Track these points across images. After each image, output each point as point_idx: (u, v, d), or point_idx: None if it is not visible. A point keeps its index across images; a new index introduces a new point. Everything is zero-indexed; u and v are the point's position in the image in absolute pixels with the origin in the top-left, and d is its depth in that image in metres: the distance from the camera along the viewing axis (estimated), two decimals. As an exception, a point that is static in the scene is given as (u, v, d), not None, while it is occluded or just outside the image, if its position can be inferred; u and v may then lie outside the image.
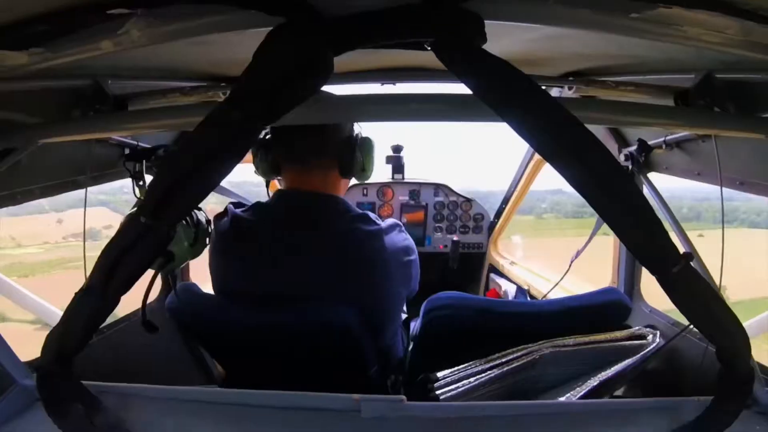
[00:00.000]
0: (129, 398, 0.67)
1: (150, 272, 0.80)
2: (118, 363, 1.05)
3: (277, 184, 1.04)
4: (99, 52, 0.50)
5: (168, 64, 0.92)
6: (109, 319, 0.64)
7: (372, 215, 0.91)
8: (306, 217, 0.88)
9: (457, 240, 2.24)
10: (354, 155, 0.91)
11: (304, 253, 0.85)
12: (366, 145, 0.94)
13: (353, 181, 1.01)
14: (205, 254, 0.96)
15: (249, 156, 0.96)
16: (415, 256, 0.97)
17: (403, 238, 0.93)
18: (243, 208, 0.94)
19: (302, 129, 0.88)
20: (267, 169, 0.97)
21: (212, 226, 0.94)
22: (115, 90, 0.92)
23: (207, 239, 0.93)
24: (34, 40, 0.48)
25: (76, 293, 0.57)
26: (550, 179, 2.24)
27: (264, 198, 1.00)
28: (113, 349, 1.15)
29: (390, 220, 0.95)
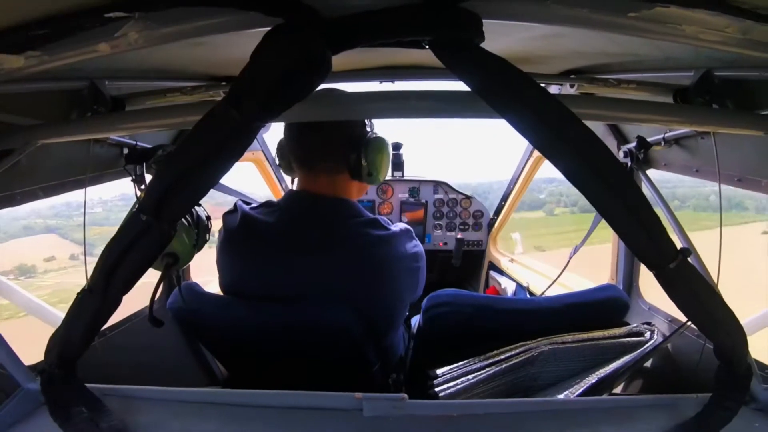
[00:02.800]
0: (132, 400, 0.67)
1: (151, 276, 0.81)
2: (120, 365, 1.06)
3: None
4: (96, 54, 0.49)
5: (165, 65, 0.92)
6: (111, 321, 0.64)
7: (383, 220, 0.89)
8: (314, 220, 0.87)
9: (461, 238, 2.23)
10: (359, 158, 0.87)
11: (311, 255, 0.85)
12: (375, 146, 0.87)
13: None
14: (208, 253, 0.96)
15: (247, 154, 0.95)
16: (423, 263, 0.96)
17: (413, 245, 0.92)
18: (252, 206, 0.93)
19: (308, 129, 0.86)
20: (286, 168, 0.96)
21: (211, 223, 0.94)
22: (113, 91, 0.91)
23: (207, 235, 0.92)
24: (31, 44, 0.47)
25: (78, 294, 0.57)
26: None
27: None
28: (115, 351, 1.15)
29: (402, 225, 0.93)
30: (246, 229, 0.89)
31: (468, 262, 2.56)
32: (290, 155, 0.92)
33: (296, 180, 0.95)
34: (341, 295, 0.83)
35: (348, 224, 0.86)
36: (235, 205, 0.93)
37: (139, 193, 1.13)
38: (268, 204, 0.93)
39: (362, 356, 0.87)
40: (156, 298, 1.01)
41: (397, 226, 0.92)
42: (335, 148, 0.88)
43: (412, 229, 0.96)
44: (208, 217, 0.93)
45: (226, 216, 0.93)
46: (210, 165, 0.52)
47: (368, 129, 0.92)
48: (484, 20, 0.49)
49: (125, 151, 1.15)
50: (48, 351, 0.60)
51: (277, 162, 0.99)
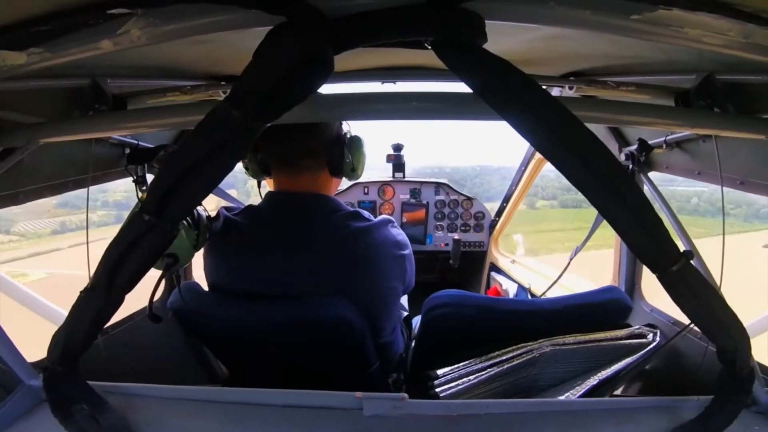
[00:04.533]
0: (134, 398, 0.67)
1: (154, 272, 0.81)
2: (122, 362, 1.06)
3: (266, 185, 1.05)
4: (98, 51, 0.49)
5: (167, 63, 0.92)
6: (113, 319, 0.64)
7: (364, 212, 0.92)
8: (296, 218, 0.89)
9: (459, 239, 2.24)
10: (343, 155, 0.91)
11: (295, 253, 0.86)
12: (355, 144, 0.94)
13: (347, 180, 1.02)
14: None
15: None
16: (408, 251, 0.97)
17: (395, 233, 0.94)
18: (235, 212, 0.95)
19: (290, 130, 0.88)
20: (256, 170, 0.98)
21: (212, 222, 0.95)
22: (114, 89, 0.92)
23: (207, 234, 0.93)
24: (33, 40, 0.48)
25: (81, 292, 0.57)
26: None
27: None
28: (117, 349, 1.16)
29: (382, 216, 0.95)
30: (229, 233, 0.90)
31: (469, 263, 2.56)
32: (269, 155, 0.94)
33: (273, 182, 0.96)
34: (332, 289, 0.84)
35: (330, 219, 0.88)
36: (218, 212, 0.95)
37: (140, 194, 1.13)
38: (248, 208, 0.94)
39: (360, 353, 0.87)
40: (158, 297, 1.00)
41: (378, 217, 0.94)
42: (319, 146, 0.91)
43: (393, 219, 0.97)
44: (209, 217, 0.94)
45: (210, 222, 0.94)
46: (212, 165, 0.52)
47: (346, 127, 0.96)
48: (486, 21, 0.49)
49: (127, 150, 1.16)
50: (50, 348, 0.60)
51: (244, 165, 0.99)
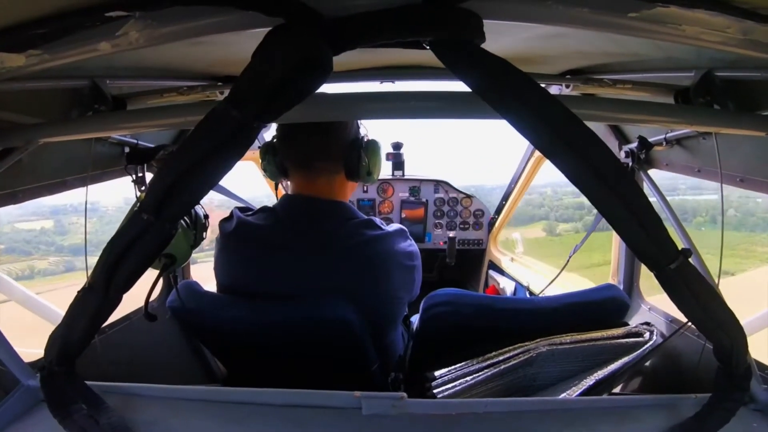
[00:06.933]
0: (132, 398, 0.68)
1: (152, 271, 0.81)
2: (120, 362, 1.06)
3: (282, 188, 1.05)
4: (97, 53, 0.49)
5: (166, 64, 0.92)
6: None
7: (377, 221, 0.92)
8: (311, 223, 0.89)
9: (454, 236, 2.24)
10: (360, 158, 0.91)
11: (308, 256, 0.86)
12: (372, 147, 0.93)
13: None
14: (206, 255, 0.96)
15: (249, 153, 0.95)
16: (418, 263, 0.97)
17: (408, 244, 0.94)
18: (248, 212, 0.94)
19: (307, 131, 0.88)
20: (275, 172, 0.98)
21: (209, 221, 0.95)
22: (114, 90, 0.92)
23: (204, 233, 0.93)
24: (32, 42, 0.48)
25: (78, 291, 0.57)
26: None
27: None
28: (115, 349, 1.16)
29: (395, 226, 0.95)
30: (242, 233, 0.90)
31: (468, 262, 2.56)
32: (285, 158, 0.94)
33: (291, 184, 0.96)
34: (338, 292, 0.84)
35: (344, 226, 0.88)
36: (232, 212, 0.94)
37: (138, 193, 1.13)
38: (263, 210, 0.94)
39: (362, 353, 0.87)
40: (156, 296, 1.00)
41: (392, 227, 0.94)
42: (334, 148, 0.90)
43: (406, 230, 0.97)
44: (206, 216, 0.94)
45: (223, 223, 0.94)
46: (211, 165, 0.52)
47: (364, 130, 0.95)
48: (484, 20, 0.49)
49: (126, 150, 1.16)
50: (48, 348, 0.60)
51: (262, 167, 1.00)
